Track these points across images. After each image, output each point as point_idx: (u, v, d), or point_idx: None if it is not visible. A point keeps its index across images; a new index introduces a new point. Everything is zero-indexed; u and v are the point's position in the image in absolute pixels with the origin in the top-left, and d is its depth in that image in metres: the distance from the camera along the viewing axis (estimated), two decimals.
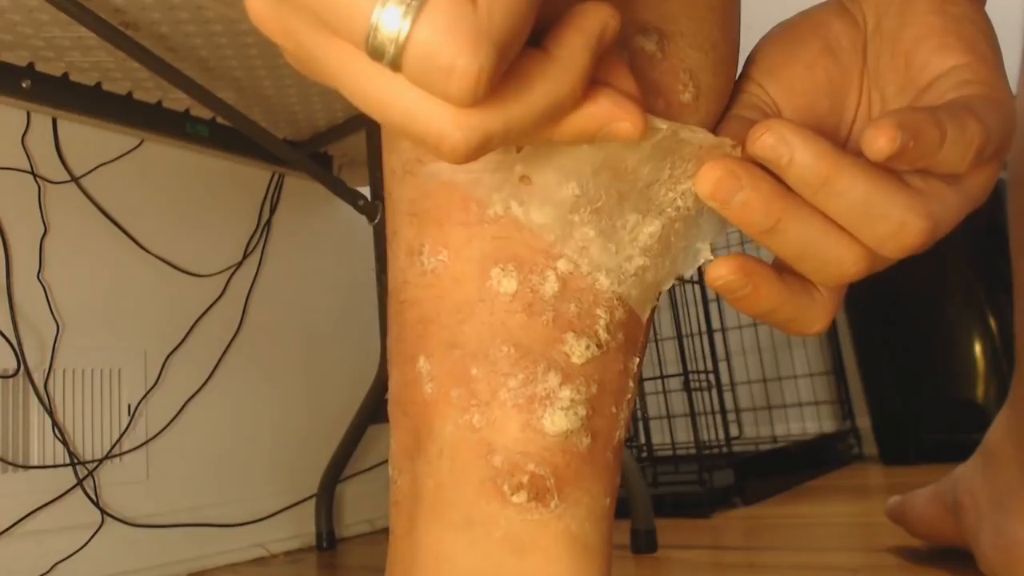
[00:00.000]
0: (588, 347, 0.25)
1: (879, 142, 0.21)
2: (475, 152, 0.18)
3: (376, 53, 0.17)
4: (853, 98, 0.28)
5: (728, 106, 0.28)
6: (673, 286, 1.22)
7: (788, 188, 0.23)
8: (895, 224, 0.22)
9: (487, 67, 0.17)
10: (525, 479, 0.24)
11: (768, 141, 0.22)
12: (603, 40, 0.20)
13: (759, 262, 0.25)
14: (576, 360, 0.25)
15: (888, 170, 0.23)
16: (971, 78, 0.25)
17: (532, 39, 0.19)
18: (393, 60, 0.17)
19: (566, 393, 0.25)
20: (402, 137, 0.18)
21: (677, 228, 0.25)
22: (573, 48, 0.19)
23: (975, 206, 0.24)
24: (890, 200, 0.22)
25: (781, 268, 0.25)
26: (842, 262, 0.23)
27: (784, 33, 0.29)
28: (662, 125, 0.22)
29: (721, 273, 0.24)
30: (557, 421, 0.24)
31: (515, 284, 0.25)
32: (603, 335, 0.25)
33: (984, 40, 0.26)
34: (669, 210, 0.25)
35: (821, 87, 0.28)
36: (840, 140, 0.28)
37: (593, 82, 0.20)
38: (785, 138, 0.22)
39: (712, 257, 0.26)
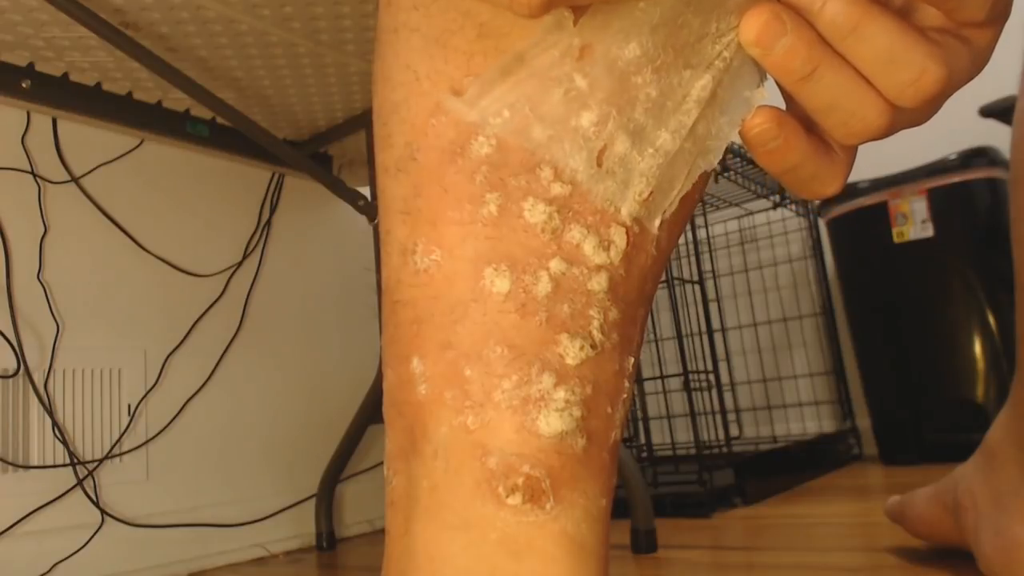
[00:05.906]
0: (582, 348, 0.25)
1: None
2: (548, 1, 0.19)
3: None
4: None
5: None
6: (673, 286, 1.22)
7: (821, 37, 0.24)
8: (916, 70, 0.23)
9: None
10: (520, 481, 0.24)
11: None
12: None
13: (791, 116, 0.26)
14: (570, 361, 0.25)
15: (909, 22, 0.24)
16: None
17: None
18: None
19: (561, 394, 0.24)
20: None
21: (723, 80, 0.26)
22: None
23: (980, 68, 0.26)
24: (912, 47, 0.23)
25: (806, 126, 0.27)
26: (867, 115, 0.25)
27: None
28: None
29: (758, 122, 0.25)
30: (552, 423, 0.24)
31: (508, 284, 0.25)
32: (597, 336, 0.25)
33: None
34: (717, 62, 0.26)
35: None
36: None
37: None
38: None
39: (767, 96, 0.27)
